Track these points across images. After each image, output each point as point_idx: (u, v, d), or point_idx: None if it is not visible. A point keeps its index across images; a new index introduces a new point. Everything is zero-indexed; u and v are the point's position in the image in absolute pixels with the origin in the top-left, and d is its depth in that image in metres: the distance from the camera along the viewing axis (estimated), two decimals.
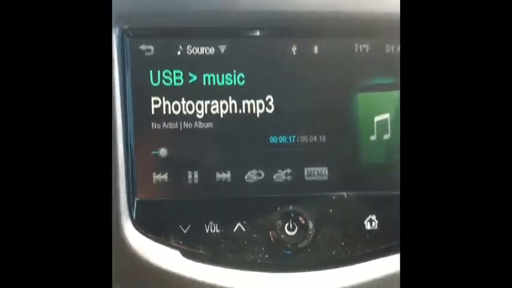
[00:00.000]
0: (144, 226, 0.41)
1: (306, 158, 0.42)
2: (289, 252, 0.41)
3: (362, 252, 0.42)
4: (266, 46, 0.42)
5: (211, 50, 0.42)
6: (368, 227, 0.42)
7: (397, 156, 0.40)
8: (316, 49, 0.42)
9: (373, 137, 0.43)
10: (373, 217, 0.42)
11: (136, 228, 0.40)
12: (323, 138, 0.42)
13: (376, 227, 0.42)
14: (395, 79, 0.42)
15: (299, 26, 0.42)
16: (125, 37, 0.41)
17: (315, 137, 0.42)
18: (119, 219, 0.40)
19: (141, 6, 0.41)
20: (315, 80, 0.42)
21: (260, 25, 0.42)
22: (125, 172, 0.40)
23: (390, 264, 0.41)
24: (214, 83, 0.42)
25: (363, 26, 0.43)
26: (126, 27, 0.41)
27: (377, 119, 0.43)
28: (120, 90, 0.41)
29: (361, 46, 0.43)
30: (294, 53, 0.42)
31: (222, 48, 0.42)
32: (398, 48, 0.42)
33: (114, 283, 0.39)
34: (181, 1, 0.41)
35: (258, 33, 0.42)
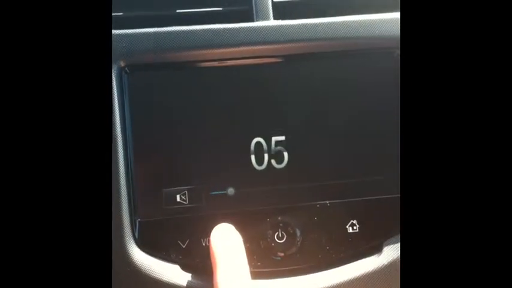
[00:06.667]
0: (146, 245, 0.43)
1: None
2: (279, 258, 0.44)
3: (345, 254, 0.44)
4: None
5: None
6: (350, 230, 0.44)
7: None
8: None
9: None
10: (354, 221, 0.44)
11: (139, 247, 0.43)
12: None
13: (358, 230, 0.44)
14: None
15: None
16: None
17: None
18: (122, 239, 0.42)
19: None
20: None
21: None
22: (127, 194, 0.43)
23: (371, 263, 0.44)
24: None
25: None
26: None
27: None
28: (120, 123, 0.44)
29: None
30: None
31: None
32: None
33: None
34: None
35: None
